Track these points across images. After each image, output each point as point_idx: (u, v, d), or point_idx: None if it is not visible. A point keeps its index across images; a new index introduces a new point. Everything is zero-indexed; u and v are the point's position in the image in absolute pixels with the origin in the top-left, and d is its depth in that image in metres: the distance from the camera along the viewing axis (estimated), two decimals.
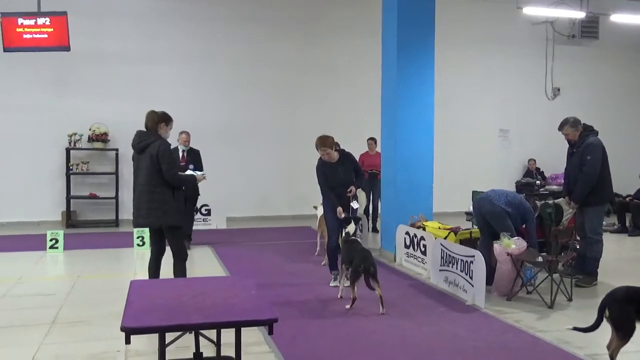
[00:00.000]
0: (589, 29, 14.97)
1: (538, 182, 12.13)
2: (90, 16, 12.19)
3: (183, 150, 9.58)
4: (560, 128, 7.40)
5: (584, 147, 7.18)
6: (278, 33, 13.43)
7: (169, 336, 3.74)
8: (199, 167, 9.18)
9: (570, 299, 6.65)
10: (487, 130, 14.65)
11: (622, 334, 4.40)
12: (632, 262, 8.99)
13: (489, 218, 7.14)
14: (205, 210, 12.35)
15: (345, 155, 7.28)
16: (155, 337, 3.39)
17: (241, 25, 13.24)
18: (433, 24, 8.88)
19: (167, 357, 3.80)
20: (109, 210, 12.31)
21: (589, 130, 7.34)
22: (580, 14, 13.87)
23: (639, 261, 7.16)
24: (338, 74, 13.68)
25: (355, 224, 6.95)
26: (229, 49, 13.20)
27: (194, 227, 11.71)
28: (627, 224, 12.09)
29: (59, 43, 9.40)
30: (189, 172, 6.05)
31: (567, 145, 7.55)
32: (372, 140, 11.63)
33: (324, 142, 7.06)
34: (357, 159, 9.55)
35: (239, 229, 12.09)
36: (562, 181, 8.50)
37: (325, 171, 7.14)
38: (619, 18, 13.84)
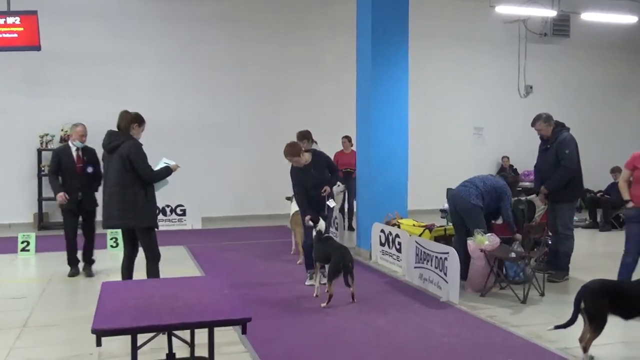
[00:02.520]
0: (560, 28, 15.19)
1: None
2: (63, 15, 12.00)
3: (77, 149, 7.71)
4: (533, 124, 7.49)
5: (559, 142, 7.28)
6: (256, 32, 13.36)
7: (142, 338, 3.71)
8: (97, 169, 7.60)
9: (542, 294, 6.74)
10: (461, 128, 14.77)
11: (596, 326, 4.49)
12: (602, 256, 9.14)
13: (463, 215, 7.20)
14: (181, 210, 12.26)
15: (317, 156, 7.21)
16: (128, 338, 3.36)
17: (218, 25, 13.16)
18: (407, 22, 8.93)
19: (141, 359, 3.78)
20: None
21: (561, 127, 7.46)
22: (551, 13, 14.06)
23: (610, 256, 7.27)
24: (317, 72, 13.66)
25: (325, 220, 6.94)
26: (206, 49, 13.11)
27: (169, 228, 11.71)
28: (598, 219, 12.29)
29: (30, 42, 9.27)
30: (162, 163, 5.89)
31: (539, 143, 7.65)
32: (346, 138, 11.64)
33: (290, 151, 6.97)
34: (333, 157, 9.60)
35: (215, 229, 12.03)
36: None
37: (297, 175, 7.10)
38: (590, 16, 14.08)
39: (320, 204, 7.10)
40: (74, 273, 7.80)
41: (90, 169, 7.67)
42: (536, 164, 7.84)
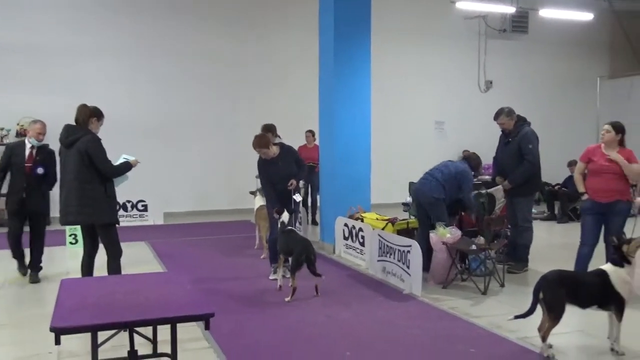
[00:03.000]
0: (519, 24, 15.44)
1: (472, 172, 12.45)
2: (18, 7, 11.68)
3: (32, 147, 7.18)
4: (496, 118, 7.59)
5: (521, 136, 7.39)
6: (216, 26, 13.25)
7: (103, 335, 3.65)
8: (51, 171, 7.27)
9: (502, 285, 6.87)
10: (423, 123, 14.92)
11: (554, 316, 4.59)
12: (560, 248, 9.35)
13: (426, 208, 7.31)
14: (142, 205, 12.09)
15: (285, 149, 7.24)
16: (89, 336, 3.30)
17: (177, 19, 12.98)
18: (369, 18, 8.97)
19: (102, 357, 3.71)
20: None
21: (522, 121, 7.58)
22: (510, 9, 14.28)
23: (567, 247, 7.45)
24: (277, 67, 13.62)
25: (290, 213, 6.96)
26: (165, 43, 12.92)
27: (130, 224, 11.53)
28: (556, 211, 12.57)
29: None
30: (121, 159, 5.75)
31: (500, 135, 7.76)
32: (310, 132, 11.65)
33: (259, 142, 7.00)
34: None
35: (177, 224, 11.91)
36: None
37: (265, 168, 7.11)
38: (547, 13, 14.36)
39: (287, 197, 7.10)
40: (25, 272, 7.45)
41: (40, 170, 7.14)
42: (495, 156, 7.96)
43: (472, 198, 7.35)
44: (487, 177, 9.07)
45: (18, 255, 7.48)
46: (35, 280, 7.27)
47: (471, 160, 7.59)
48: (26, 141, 7.27)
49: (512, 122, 7.51)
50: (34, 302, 6.33)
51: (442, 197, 7.17)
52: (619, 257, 4.73)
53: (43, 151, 7.26)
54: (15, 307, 6.28)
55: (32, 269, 7.39)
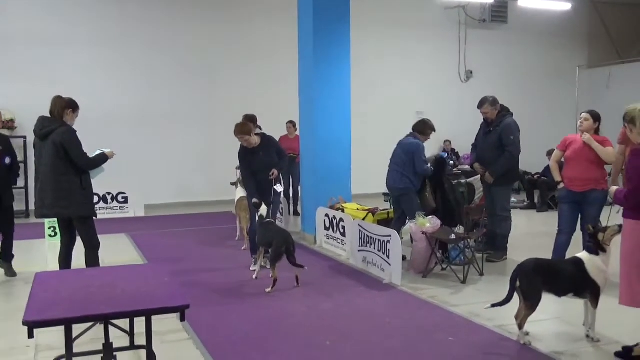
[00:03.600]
0: (498, 14, 15.51)
1: (452, 162, 12.53)
2: None
3: None
4: (480, 106, 7.60)
5: (503, 127, 7.40)
6: (195, 14, 13.14)
7: (80, 329, 3.63)
8: (15, 160, 6.98)
9: (482, 274, 6.93)
10: (404, 112, 14.85)
11: (530, 304, 4.65)
12: (539, 236, 9.42)
13: (399, 200, 7.52)
14: (122, 197, 12.00)
15: (266, 139, 7.26)
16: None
17: (156, 6, 12.87)
18: (348, 7, 8.93)
19: (79, 350, 3.69)
20: (17, 201, 11.54)
21: (506, 111, 7.61)
22: None
23: (546, 235, 7.52)
24: (258, 57, 13.53)
25: (268, 205, 6.96)
26: (144, 31, 12.80)
27: (110, 216, 11.46)
28: (536, 200, 12.70)
29: None
30: (97, 151, 5.67)
31: (482, 123, 7.79)
32: (291, 123, 11.62)
33: (241, 129, 7.01)
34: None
35: (158, 216, 11.84)
36: None
37: (246, 157, 7.10)
38: (526, 3, 14.42)
39: (268, 188, 7.10)
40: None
41: (7, 160, 6.72)
42: (475, 143, 7.96)
43: (427, 169, 7.38)
44: (467, 167, 9.11)
45: None
46: (12, 273, 7.05)
47: (416, 127, 7.61)
48: None
49: (495, 111, 7.53)
50: (12, 295, 6.27)
51: (409, 186, 7.29)
52: (595, 245, 4.78)
53: (3, 140, 6.82)
54: None
55: (5, 261, 7.06)
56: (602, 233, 4.79)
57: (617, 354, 4.51)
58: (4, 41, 11.76)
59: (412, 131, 7.62)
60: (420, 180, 7.45)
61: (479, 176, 7.86)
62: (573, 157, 6.37)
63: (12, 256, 7.15)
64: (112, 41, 12.59)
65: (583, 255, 4.83)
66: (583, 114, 6.50)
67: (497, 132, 7.44)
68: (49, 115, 5.51)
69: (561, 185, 6.53)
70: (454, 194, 7.73)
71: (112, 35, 12.58)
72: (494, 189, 7.56)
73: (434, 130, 7.64)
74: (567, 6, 14.54)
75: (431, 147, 14.85)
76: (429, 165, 7.45)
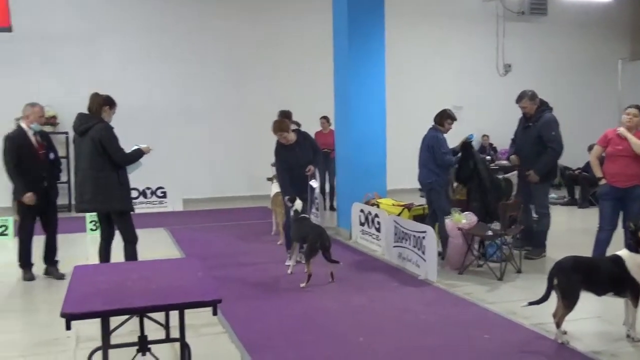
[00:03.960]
0: (537, 6, 15.19)
1: (489, 157, 12.34)
2: None
3: (35, 133, 6.63)
4: (519, 101, 7.42)
5: (543, 122, 7.22)
6: (232, 10, 13.22)
7: (117, 321, 3.71)
8: (56, 154, 6.99)
9: (519, 271, 6.82)
10: (440, 107, 14.52)
11: (568, 302, 4.56)
12: (580, 233, 9.25)
13: (428, 196, 7.55)
14: (161, 192, 12.19)
15: (302, 136, 7.32)
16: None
17: (191, 3, 13.01)
18: (383, 1, 8.87)
19: (116, 341, 3.77)
20: (61, 195, 11.90)
21: (545, 106, 7.42)
22: None
23: (587, 233, 7.35)
24: (292, 52, 13.55)
25: (304, 200, 6.99)
26: (182, 27, 12.96)
27: (149, 210, 11.65)
28: (577, 196, 12.42)
29: (0, 24, 9.05)
30: (134, 147, 5.75)
31: (520, 117, 7.64)
32: (324, 119, 11.63)
33: (279, 126, 7.08)
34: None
35: (196, 211, 11.99)
36: None
37: (282, 153, 7.16)
38: None
39: (303, 184, 7.14)
40: (30, 277, 6.77)
41: (52, 156, 6.77)
42: (514, 137, 7.81)
43: (448, 159, 7.29)
44: (505, 162, 8.96)
45: (28, 263, 6.85)
46: (59, 276, 6.79)
47: (435, 119, 7.54)
48: (25, 127, 6.59)
49: (534, 106, 7.34)
50: (55, 287, 6.41)
51: (436, 179, 7.27)
52: (636, 243, 4.66)
53: (45, 136, 6.88)
54: (37, 291, 6.38)
55: (50, 265, 6.93)
56: None
57: None
58: (46, 40, 12.03)
59: (433, 124, 7.54)
60: (446, 173, 7.36)
61: (516, 172, 7.72)
62: (615, 153, 6.22)
63: (56, 261, 6.99)
64: (149, 39, 12.77)
65: (623, 253, 4.71)
66: (631, 109, 6.28)
67: (537, 127, 7.27)
68: (87, 112, 5.64)
69: (603, 181, 6.38)
70: (490, 176, 7.51)
71: (150, 33, 12.75)
72: (533, 186, 7.41)
73: (454, 119, 7.47)
74: None
75: (455, 138, 14.72)
76: (450, 155, 7.34)
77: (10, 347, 4.79)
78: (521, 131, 7.56)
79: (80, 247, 8.77)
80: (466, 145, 7.51)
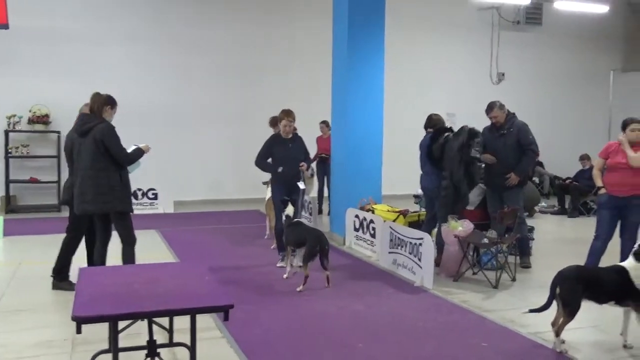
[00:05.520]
0: (533, 16, 15.34)
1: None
2: None
3: None
4: (489, 111, 7.58)
5: (519, 128, 7.41)
6: (231, 13, 13.21)
7: (121, 324, 3.67)
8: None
9: (514, 279, 6.86)
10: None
11: (569, 311, 4.58)
12: (571, 242, 9.32)
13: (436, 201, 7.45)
14: (152, 194, 12.13)
15: (298, 137, 7.45)
16: (103, 324, 3.32)
17: (191, 5, 12.97)
18: (383, 8, 8.91)
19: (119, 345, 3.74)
20: (50, 195, 11.93)
21: (511, 114, 7.60)
22: (525, 1, 14.14)
23: (578, 242, 7.42)
24: (292, 55, 13.58)
25: (294, 206, 7.00)
26: (178, 30, 12.91)
27: (141, 212, 11.57)
28: (567, 205, 12.51)
29: None
30: (133, 146, 5.75)
31: (489, 128, 7.70)
32: (324, 123, 11.60)
33: (289, 113, 7.23)
34: (314, 141, 9.54)
35: (187, 213, 11.93)
36: None
37: (276, 144, 7.25)
38: (562, 5, 14.21)
39: (292, 183, 7.21)
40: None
41: None
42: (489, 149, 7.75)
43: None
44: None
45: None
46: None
47: (425, 126, 7.80)
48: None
49: (504, 114, 7.53)
50: (48, 288, 6.33)
51: (436, 184, 7.34)
52: None
53: None
54: (30, 292, 6.29)
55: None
56: None
57: None
58: (40, 38, 11.94)
59: (428, 129, 7.72)
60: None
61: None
62: (615, 165, 6.29)
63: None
64: (146, 40, 12.71)
65: (628, 263, 4.74)
66: (635, 124, 6.34)
67: (513, 134, 7.40)
68: (88, 112, 5.60)
69: (602, 191, 6.44)
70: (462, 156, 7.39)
71: (147, 34, 12.69)
72: (505, 193, 7.45)
73: (440, 123, 7.71)
74: (605, 9, 14.27)
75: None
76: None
77: (6, 349, 4.73)
78: (494, 140, 7.57)
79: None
80: (439, 131, 7.61)
